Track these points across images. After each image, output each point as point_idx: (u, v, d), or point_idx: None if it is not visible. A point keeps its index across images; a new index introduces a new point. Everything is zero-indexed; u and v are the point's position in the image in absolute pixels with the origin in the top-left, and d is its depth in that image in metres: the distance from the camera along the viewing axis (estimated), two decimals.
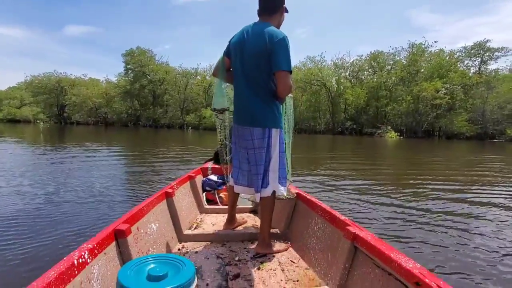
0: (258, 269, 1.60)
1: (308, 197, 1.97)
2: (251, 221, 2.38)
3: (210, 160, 3.47)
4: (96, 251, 1.10)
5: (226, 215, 2.20)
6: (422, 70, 38.81)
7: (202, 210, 2.59)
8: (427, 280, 0.90)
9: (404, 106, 37.20)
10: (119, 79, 53.98)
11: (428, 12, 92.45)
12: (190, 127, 43.77)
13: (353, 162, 10.26)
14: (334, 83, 42.69)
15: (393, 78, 41.11)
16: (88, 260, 1.04)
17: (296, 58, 58.14)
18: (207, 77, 51.41)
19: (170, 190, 1.97)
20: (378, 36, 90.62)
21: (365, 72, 46.34)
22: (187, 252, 1.76)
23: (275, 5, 1.71)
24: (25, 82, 61.78)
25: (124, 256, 1.25)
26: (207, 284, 1.40)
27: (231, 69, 1.88)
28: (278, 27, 1.74)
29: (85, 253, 1.03)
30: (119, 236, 1.25)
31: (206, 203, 2.76)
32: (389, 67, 43.53)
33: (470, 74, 39.44)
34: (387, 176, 7.41)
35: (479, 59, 40.73)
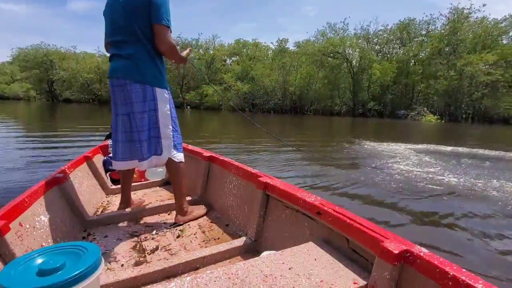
0: (178, 237, 1.59)
1: (221, 158, 1.98)
2: (166, 193, 2.37)
3: (110, 136, 2.57)
4: None
5: (136, 193, 2.28)
6: (467, 40, 32.26)
7: (108, 192, 2.36)
8: (326, 208, 1.08)
9: (445, 83, 31.15)
10: None
11: None
12: (188, 106, 38.63)
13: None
14: (357, 56, 36.52)
15: (428, 50, 34.79)
16: None
17: (305, 36, 51.60)
18: (210, 50, 45.63)
19: (60, 175, 1.70)
20: (388, 16, 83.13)
21: (391, 45, 40.11)
22: (95, 238, 1.61)
23: None
24: (13, 56, 56.45)
25: (6, 257, 1.09)
26: (122, 265, 1.33)
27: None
28: None
29: None
30: None
31: (111, 183, 2.53)
32: (423, 37, 37.12)
33: None
34: None
35: None
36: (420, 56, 36.14)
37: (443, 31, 34.44)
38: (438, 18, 36.99)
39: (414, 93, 36.28)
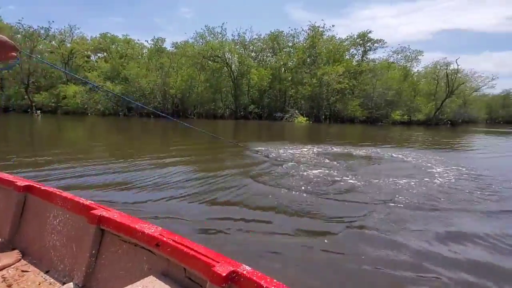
0: None
1: (42, 188, 1.67)
2: None
3: None
4: None
5: None
6: (323, 53, 38.45)
7: None
8: (165, 239, 1.04)
9: (309, 89, 36.02)
10: None
11: (301, 9, 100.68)
12: (39, 111, 30.67)
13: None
14: (236, 61, 37.75)
15: (294, 60, 39.56)
16: None
17: (184, 37, 50.27)
18: (67, 43, 37.79)
19: None
20: (262, 26, 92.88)
21: (264, 53, 43.69)
22: None
23: None
24: None
25: None
26: None
27: None
28: None
29: None
30: None
31: None
32: (290, 49, 41.99)
33: (354, 62, 42.08)
34: None
35: (363, 49, 44.02)
36: (289, 65, 40.69)
37: (305, 44, 39.90)
38: (300, 33, 42.60)
39: (286, 98, 40.55)
